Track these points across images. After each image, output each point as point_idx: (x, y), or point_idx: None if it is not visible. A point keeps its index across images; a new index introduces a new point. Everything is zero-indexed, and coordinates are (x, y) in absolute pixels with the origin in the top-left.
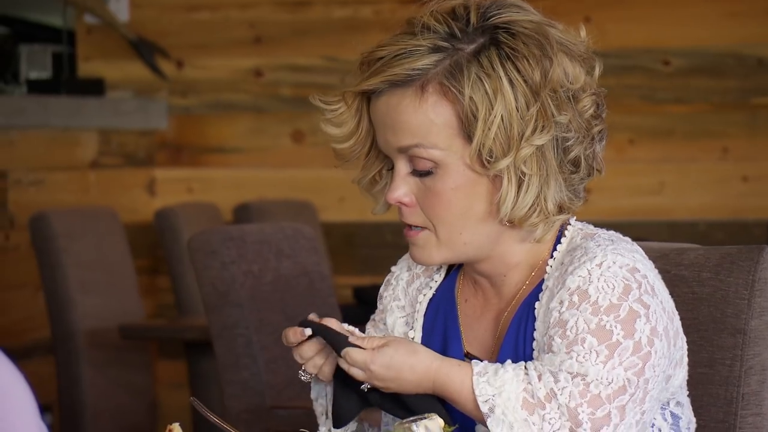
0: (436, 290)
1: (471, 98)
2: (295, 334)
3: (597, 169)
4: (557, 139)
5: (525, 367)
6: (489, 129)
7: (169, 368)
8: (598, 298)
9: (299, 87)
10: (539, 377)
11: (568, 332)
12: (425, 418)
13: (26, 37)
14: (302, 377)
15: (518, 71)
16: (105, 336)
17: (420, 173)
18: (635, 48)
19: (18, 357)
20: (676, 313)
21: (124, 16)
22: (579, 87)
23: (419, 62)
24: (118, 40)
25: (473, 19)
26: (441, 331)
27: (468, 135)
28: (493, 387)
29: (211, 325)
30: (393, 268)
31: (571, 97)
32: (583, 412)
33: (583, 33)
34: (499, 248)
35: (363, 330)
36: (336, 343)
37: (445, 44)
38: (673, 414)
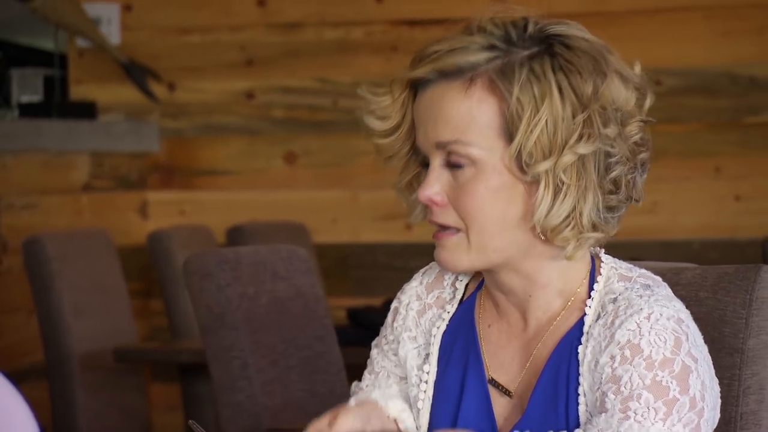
0: (450, 320)
1: (518, 99)
2: None
3: (635, 199)
4: (600, 154)
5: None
6: (531, 132)
7: (162, 391)
8: (651, 352)
9: (291, 109)
10: None
11: (622, 388)
12: None
13: (17, 60)
14: None
15: (569, 82)
16: (99, 359)
17: (454, 166)
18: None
19: (12, 381)
20: (710, 357)
21: (116, 39)
22: (628, 111)
23: (472, 57)
24: (109, 64)
25: (531, 28)
26: (460, 358)
27: (509, 136)
28: None
29: (207, 347)
30: (401, 297)
31: (618, 119)
32: None
33: (637, 69)
34: (526, 262)
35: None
36: None
37: (500, 44)
38: None
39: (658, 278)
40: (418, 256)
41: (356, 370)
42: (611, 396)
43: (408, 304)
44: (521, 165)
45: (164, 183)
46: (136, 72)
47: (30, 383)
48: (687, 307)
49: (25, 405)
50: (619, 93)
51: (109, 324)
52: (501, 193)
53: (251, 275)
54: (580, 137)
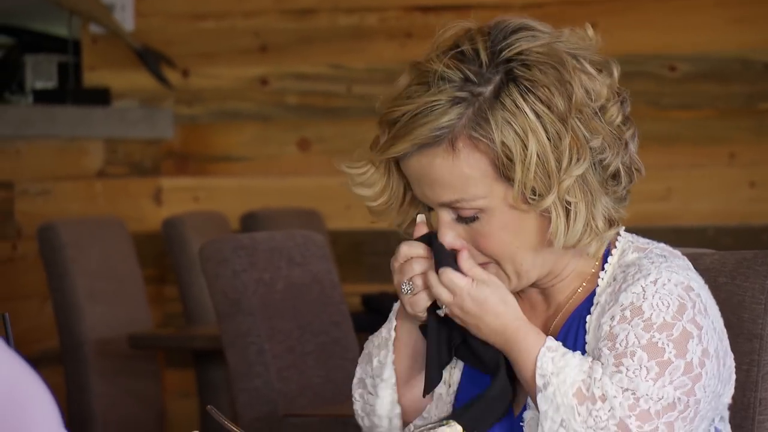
0: None
1: (503, 143)
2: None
3: (636, 170)
4: (594, 162)
5: (591, 362)
6: (528, 169)
7: (177, 377)
8: (651, 315)
9: (305, 95)
10: (602, 377)
11: (617, 345)
12: (444, 424)
13: (31, 47)
14: (404, 290)
15: (541, 101)
16: (113, 345)
17: (465, 220)
18: (641, 54)
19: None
20: (725, 331)
21: (130, 25)
22: (603, 98)
23: (443, 119)
24: (123, 50)
25: (484, 58)
26: None
27: (507, 177)
28: (555, 366)
29: (223, 333)
30: None
31: (597, 111)
32: (632, 423)
33: (590, 32)
34: (555, 266)
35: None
36: (442, 257)
37: (463, 94)
38: (716, 429)
39: (677, 252)
40: None
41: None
42: (606, 351)
43: None
44: (527, 200)
45: (178, 169)
46: (150, 58)
47: (44, 370)
48: None
49: (46, 390)
50: (589, 88)
51: (123, 310)
52: (516, 227)
53: (267, 261)
54: (571, 158)
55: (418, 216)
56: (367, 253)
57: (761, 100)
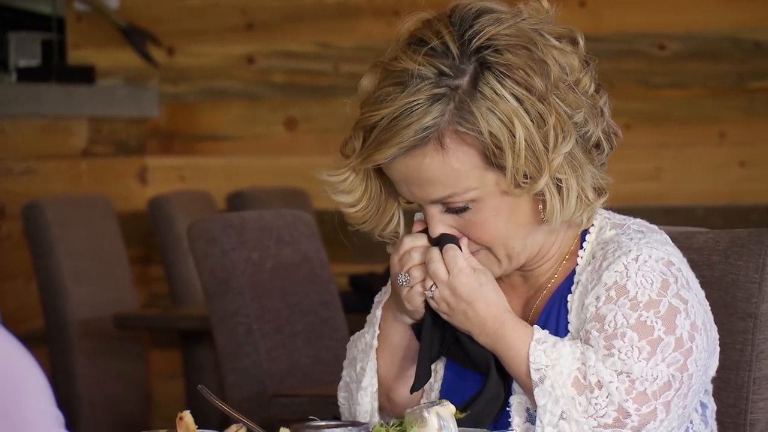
0: None
1: (490, 132)
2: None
3: (614, 134)
4: (579, 136)
5: (581, 348)
6: (518, 155)
7: (162, 358)
8: (637, 293)
9: (292, 74)
10: (595, 362)
11: (606, 326)
12: (437, 404)
13: (15, 24)
14: (400, 281)
15: (519, 84)
16: (99, 326)
17: (456, 210)
18: (631, 32)
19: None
20: (707, 302)
21: (115, 2)
22: (576, 68)
23: (426, 118)
24: (108, 28)
25: (454, 50)
26: None
27: (497, 165)
28: (549, 358)
29: (212, 313)
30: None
31: (572, 85)
32: (630, 407)
33: (545, 4)
34: (544, 245)
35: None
36: (445, 240)
37: (441, 90)
38: (702, 403)
39: (654, 226)
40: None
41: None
42: (595, 333)
43: None
44: (518, 185)
45: (164, 148)
46: (135, 36)
47: (30, 350)
48: (699, 272)
49: (38, 369)
50: (561, 62)
51: (108, 290)
52: (509, 211)
53: (256, 240)
54: (557, 137)
55: (416, 214)
56: (354, 233)
57: (752, 79)
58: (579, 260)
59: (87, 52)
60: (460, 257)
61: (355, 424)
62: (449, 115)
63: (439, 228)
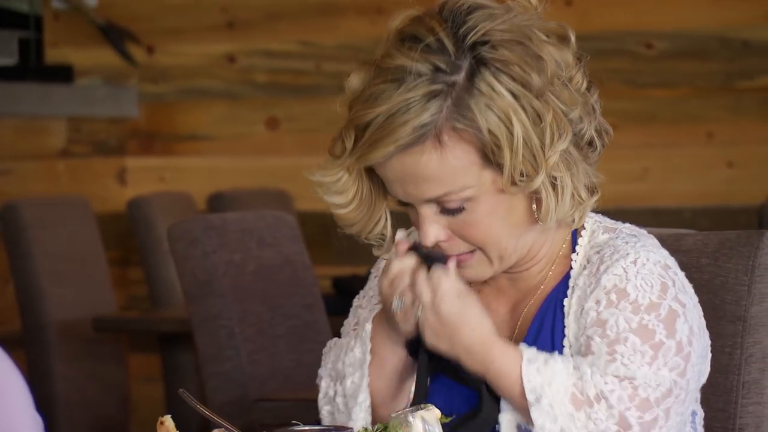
0: None
1: (489, 131)
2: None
3: (605, 132)
4: (574, 133)
5: (574, 361)
6: (516, 152)
7: (142, 361)
8: (637, 296)
9: (274, 73)
10: (591, 375)
11: (608, 331)
12: (422, 408)
13: None
14: (395, 305)
15: (515, 80)
16: (77, 328)
17: (451, 212)
18: (618, 31)
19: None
20: (700, 307)
21: (93, 0)
22: (570, 64)
23: (423, 116)
24: (86, 26)
25: (449, 46)
26: None
27: (494, 163)
28: (543, 376)
29: (192, 316)
30: (380, 266)
31: (565, 81)
32: (632, 416)
33: (533, 0)
34: (535, 245)
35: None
36: (433, 259)
37: (437, 87)
38: (692, 411)
39: (644, 231)
40: (401, 224)
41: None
42: (597, 339)
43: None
44: (515, 183)
45: (143, 149)
46: (114, 35)
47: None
48: (688, 274)
49: (19, 373)
50: (557, 58)
51: (87, 292)
52: (504, 211)
53: (238, 242)
54: (553, 135)
55: (398, 233)
56: (336, 235)
57: (740, 79)
58: (573, 263)
59: (65, 50)
60: (445, 280)
61: (339, 428)
62: (447, 111)
63: (432, 230)
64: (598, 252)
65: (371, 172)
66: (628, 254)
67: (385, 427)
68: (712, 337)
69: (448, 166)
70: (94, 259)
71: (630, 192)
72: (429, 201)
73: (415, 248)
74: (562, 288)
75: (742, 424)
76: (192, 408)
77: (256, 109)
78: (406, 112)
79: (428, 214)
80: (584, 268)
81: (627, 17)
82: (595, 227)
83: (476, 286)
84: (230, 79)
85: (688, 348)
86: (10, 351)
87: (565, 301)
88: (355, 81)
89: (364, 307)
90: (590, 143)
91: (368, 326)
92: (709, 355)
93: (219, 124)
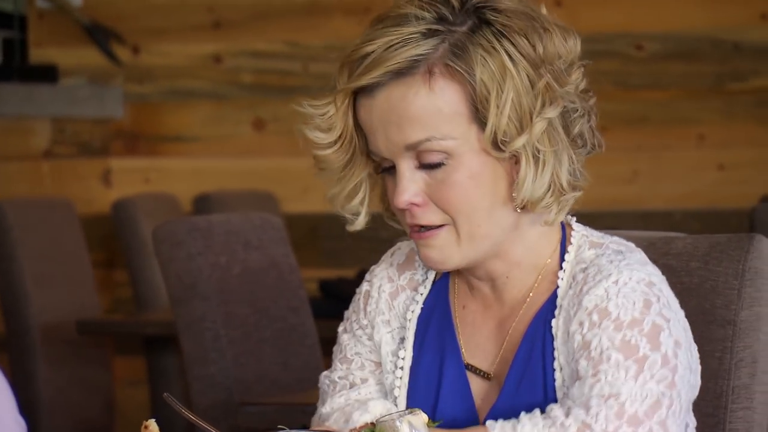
0: (424, 302)
1: (482, 80)
2: None
3: (599, 146)
4: (564, 113)
5: (543, 412)
6: (502, 111)
7: (126, 365)
8: (619, 313)
9: (260, 73)
10: (567, 414)
11: (592, 353)
12: (409, 413)
13: None
14: None
15: (515, 46)
16: (61, 331)
17: (430, 166)
18: (608, 32)
19: None
20: (687, 322)
21: (78, 0)
22: (570, 60)
23: (420, 48)
24: (71, 26)
25: (455, 2)
26: (435, 343)
27: (480, 119)
28: None
29: (177, 318)
30: (372, 280)
31: (564, 70)
32: None
33: (543, 10)
34: (507, 241)
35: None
36: None
37: (438, 27)
38: (686, 423)
39: (632, 244)
40: (389, 226)
41: (329, 343)
42: (583, 362)
43: (380, 287)
44: (497, 144)
45: (128, 150)
46: (99, 34)
47: None
48: (677, 278)
49: (2, 376)
50: (561, 44)
51: (71, 295)
52: (483, 177)
53: (223, 244)
54: (544, 102)
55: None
56: (323, 237)
57: (731, 81)
58: (560, 282)
59: (49, 50)
60: None
61: None
62: (442, 50)
63: (409, 187)
64: (583, 270)
65: (358, 129)
66: (610, 274)
67: (372, 430)
68: (701, 342)
69: (434, 107)
70: (78, 261)
71: (620, 194)
72: (409, 149)
73: None
74: (549, 307)
75: (731, 429)
76: (177, 412)
77: (243, 109)
78: (404, 45)
79: (406, 169)
80: (570, 287)
81: (618, 18)
82: (582, 242)
83: (461, 302)
84: (216, 80)
85: (674, 360)
86: None
87: (553, 322)
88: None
89: (348, 331)
90: (580, 136)
91: None
92: (699, 368)
93: (205, 125)
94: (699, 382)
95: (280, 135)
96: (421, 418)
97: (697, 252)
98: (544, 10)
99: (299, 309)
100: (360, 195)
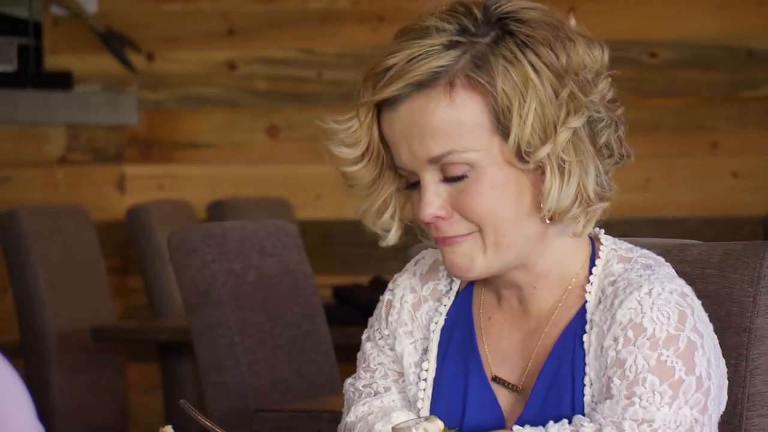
0: (447, 313)
1: (503, 90)
2: None
3: (627, 156)
4: (590, 123)
5: (572, 424)
6: (525, 121)
7: (140, 371)
8: (654, 330)
9: (274, 80)
10: (600, 429)
11: (627, 372)
12: (425, 420)
13: None
14: None
15: (539, 56)
16: (76, 338)
17: (453, 179)
18: (622, 40)
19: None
20: (716, 336)
21: (93, 7)
22: (596, 70)
23: (441, 60)
24: (86, 33)
25: (477, 13)
26: (459, 353)
27: (502, 130)
28: None
29: (192, 325)
30: (395, 290)
31: (591, 80)
32: None
33: (573, 22)
34: (534, 252)
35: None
36: None
37: (460, 38)
38: None
39: (661, 258)
40: (404, 233)
41: (343, 350)
42: (617, 381)
43: (402, 297)
44: (521, 155)
45: (142, 156)
46: (114, 41)
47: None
48: (693, 285)
49: (20, 381)
50: (586, 54)
51: (86, 301)
52: (507, 188)
53: (238, 251)
54: (568, 112)
55: None
56: (337, 244)
57: (744, 88)
58: (587, 295)
59: (64, 57)
60: None
61: None
62: (464, 62)
63: (433, 200)
64: (612, 284)
65: (384, 144)
66: (641, 286)
67: None
68: None
69: (455, 119)
70: (93, 267)
71: (633, 202)
72: (432, 162)
73: None
74: (580, 322)
75: None
76: (192, 419)
77: (256, 116)
78: (426, 57)
79: (430, 182)
80: (600, 301)
81: (631, 26)
82: (610, 255)
83: (486, 312)
84: (230, 87)
85: (707, 382)
86: (9, 360)
87: (585, 338)
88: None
89: (371, 340)
90: (607, 146)
91: None
92: (726, 383)
93: (219, 132)
94: (726, 398)
95: (293, 142)
96: (437, 425)
97: (712, 259)
98: (573, 22)
99: (313, 316)
100: (390, 210)
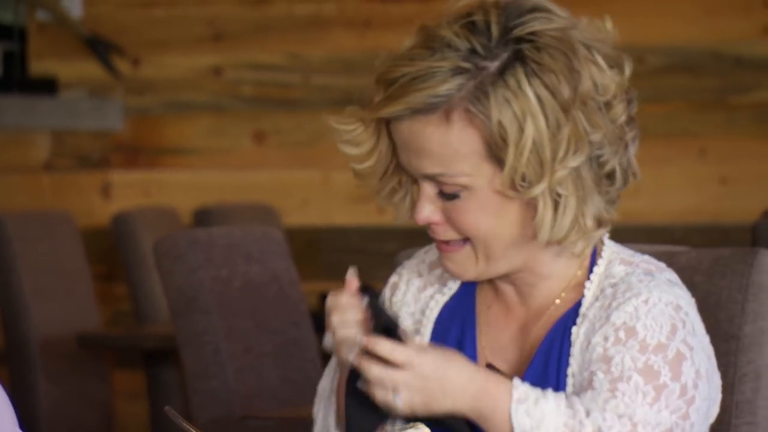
0: (451, 297)
1: (499, 122)
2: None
3: (633, 174)
4: (591, 157)
5: (568, 399)
6: (521, 154)
7: (126, 378)
8: (646, 336)
9: (261, 86)
10: (587, 413)
11: (612, 369)
12: (410, 427)
13: None
14: (326, 344)
15: (546, 87)
16: (61, 345)
17: (447, 196)
18: None
19: None
20: (712, 348)
21: (78, 12)
22: (611, 94)
23: (442, 87)
24: (71, 38)
25: (495, 32)
26: (455, 338)
27: (497, 159)
28: (532, 419)
29: (178, 332)
30: (402, 272)
31: (602, 106)
32: None
33: (609, 25)
34: (531, 261)
35: None
36: (381, 320)
37: (467, 65)
38: None
39: (663, 264)
40: (392, 239)
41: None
42: (600, 375)
43: (409, 280)
44: (515, 187)
45: (128, 162)
46: (99, 47)
47: None
48: None
49: (2, 391)
50: (597, 81)
51: (71, 308)
52: (499, 212)
53: (224, 257)
54: (568, 149)
55: (349, 271)
56: (324, 250)
57: (733, 94)
58: (586, 291)
59: (49, 62)
60: (398, 349)
61: None
62: (465, 92)
63: (426, 208)
64: (613, 285)
65: (393, 142)
66: (640, 293)
67: None
68: None
69: (449, 146)
70: (78, 274)
71: (621, 209)
72: (427, 177)
73: (368, 294)
74: (571, 315)
75: None
76: (178, 426)
77: (243, 122)
78: (428, 79)
79: (427, 192)
80: (597, 299)
81: (619, 31)
82: (613, 257)
83: (486, 302)
84: (216, 92)
85: (692, 392)
86: None
87: (573, 330)
88: (407, 42)
89: None
90: (610, 176)
91: (335, 357)
92: (719, 396)
93: (205, 138)
94: (717, 411)
95: (280, 147)
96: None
97: (700, 266)
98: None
99: (300, 323)
100: (401, 192)
